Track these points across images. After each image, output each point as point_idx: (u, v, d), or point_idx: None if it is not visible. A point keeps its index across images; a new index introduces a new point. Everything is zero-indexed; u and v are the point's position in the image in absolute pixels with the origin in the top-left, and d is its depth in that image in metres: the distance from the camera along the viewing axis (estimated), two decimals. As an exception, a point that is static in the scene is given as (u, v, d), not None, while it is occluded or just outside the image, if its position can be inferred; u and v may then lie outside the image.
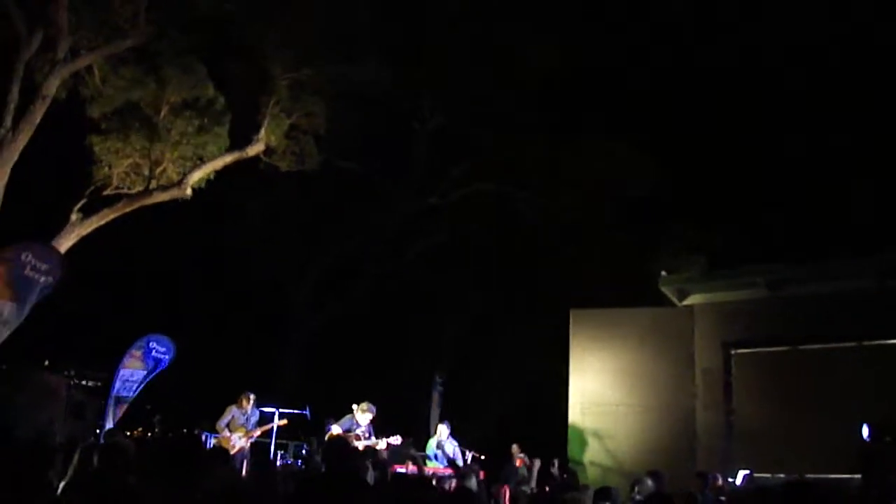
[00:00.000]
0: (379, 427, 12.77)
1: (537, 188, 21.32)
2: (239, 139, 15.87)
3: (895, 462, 9.32)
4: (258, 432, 13.11)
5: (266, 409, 13.39)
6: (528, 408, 22.78)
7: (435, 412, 23.18)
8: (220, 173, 16.07)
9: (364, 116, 18.62)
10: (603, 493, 7.06)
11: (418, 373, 24.25)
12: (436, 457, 13.38)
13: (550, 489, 13.09)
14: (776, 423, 12.73)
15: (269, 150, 16.26)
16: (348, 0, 16.10)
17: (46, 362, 26.47)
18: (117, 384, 14.21)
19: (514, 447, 14.75)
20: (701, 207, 19.62)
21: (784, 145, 20.12)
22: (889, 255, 12.95)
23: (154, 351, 14.58)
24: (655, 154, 19.75)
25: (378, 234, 23.72)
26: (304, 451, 16.48)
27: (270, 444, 13.67)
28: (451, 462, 13.21)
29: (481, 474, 12.22)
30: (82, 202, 14.73)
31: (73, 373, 28.74)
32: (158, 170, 15.27)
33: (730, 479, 11.45)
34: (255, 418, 13.06)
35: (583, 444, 14.59)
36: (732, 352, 13.95)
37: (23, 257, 11.19)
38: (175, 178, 15.41)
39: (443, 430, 13.70)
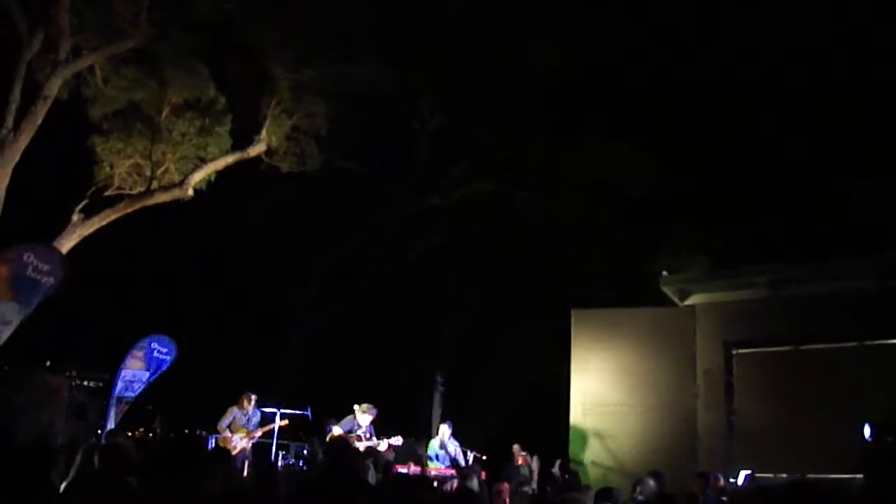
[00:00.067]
0: (380, 428, 12.78)
1: (538, 188, 21.32)
2: (240, 140, 15.90)
3: (897, 462, 9.32)
4: (259, 433, 13.12)
5: (267, 410, 13.39)
6: (530, 408, 22.77)
7: (436, 412, 23.17)
8: (220, 173, 16.10)
9: (364, 117, 18.61)
10: (605, 493, 7.06)
11: (419, 373, 24.24)
12: (437, 457, 13.38)
13: (552, 489, 13.09)
14: (778, 423, 12.71)
15: (270, 151, 16.29)
16: (348, 0, 16.11)
17: (48, 363, 26.49)
18: (119, 385, 14.21)
19: (516, 447, 14.76)
20: (701, 207, 19.61)
21: (784, 145, 20.11)
22: (890, 255, 12.93)
23: (156, 352, 14.58)
24: (656, 154, 19.74)
25: (378, 234, 23.72)
26: (305, 452, 16.48)
27: (272, 444, 13.67)
28: (454, 462, 13.22)
29: (483, 474, 12.22)
30: (84, 203, 14.77)
31: (74, 373, 28.78)
32: (160, 170, 15.30)
33: (731, 480, 11.44)
34: (256, 419, 13.07)
35: (584, 444, 14.58)
36: (734, 352, 13.93)
37: (25, 258, 11.20)
38: (176, 178, 15.44)
39: (445, 431, 13.71)
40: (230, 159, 15.86)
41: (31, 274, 11.30)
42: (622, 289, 16.92)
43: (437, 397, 23.89)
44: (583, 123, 21.12)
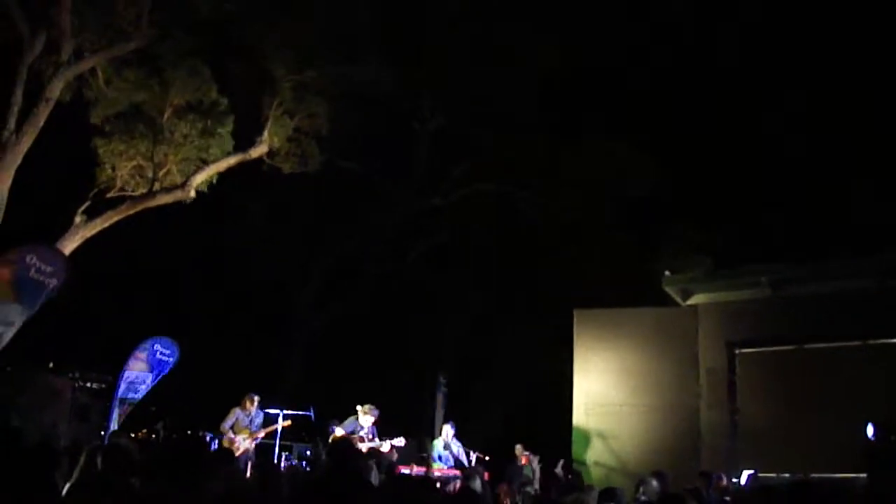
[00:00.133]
0: (383, 428, 12.79)
1: (539, 188, 21.33)
2: (242, 141, 15.91)
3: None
4: (262, 434, 13.12)
5: (270, 411, 13.40)
6: (532, 408, 22.76)
7: (439, 413, 23.18)
8: (222, 174, 16.11)
9: (365, 117, 18.62)
10: (608, 493, 7.04)
11: (422, 373, 24.26)
12: (440, 458, 13.38)
13: (555, 490, 13.08)
14: (780, 422, 12.70)
15: (271, 152, 16.29)
16: (349, 1, 16.12)
17: (51, 364, 26.50)
18: (122, 386, 14.22)
19: (518, 447, 14.77)
20: (703, 207, 19.62)
21: (785, 145, 20.10)
22: (891, 255, 12.92)
23: (158, 353, 14.59)
24: (657, 154, 19.75)
25: (380, 234, 23.73)
26: (308, 453, 16.50)
27: (275, 445, 13.67)
28: (459, 463, 13.22)
29: (486, 475, 12.22)
30: (86, 204, 14.78)
31: (77, 375, 28.78)
32: (162, 172, 15.31)
33: (734, 480, 11.44)
34: (259, 420, 13.08)
35: (587, 444, 14.58)
36: (736, 351, 13.92)
37: (27, 259, 11.21)
38: (178, 180, 15.44)
39: (448, 431, 13.72)
40: (232, 160, 15.87)
41: (33, 275, 11.32)
42: (624, 289, 16.93)
43: (439, 398, 23.89)
44: (583, 123, 21.15)
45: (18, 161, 13.42)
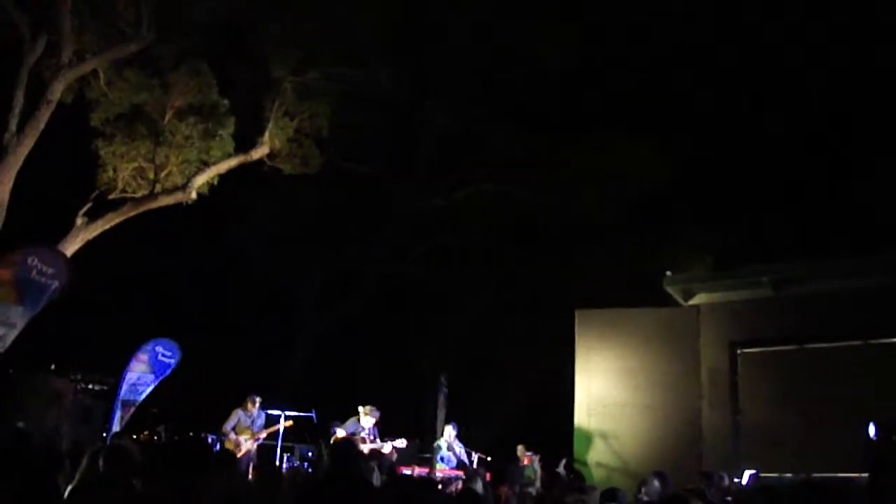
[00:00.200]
0: (384, 429, 12.79)
1: (541, 188, 21.29)
2: (243, 142, 15.92)
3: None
4: (264, 434, 13.13)
5: (272, 413, 13.41)
6: (534, 408, 22.76)
7: (441, 414, 23.18)
8: (223, 176, 16.12)
9: (367, 117, 18.63)
10: (609, 493, 7.04)
11: (423, 374, 24.25)
12: (442, 458, 13.38)
13: (557, 489, 13.07)
14: (783, 422, 12.70)
15: (272, 153, 16.30)
16: (350, 1, 16.11)
17: (53, 367, 26.55)
18: (124, 388, 14.23)
19: (520, 448, 14.75)
20: (704, 207, 19.61)
21: (788, 145, 20.09)
22: (892, 254, 12.92)
23: (160, 355, 14.60)
24: (658, 154, 19.72)
25: (382, 234, 23.73)
26: (310, 455, 16.49)
27: (277, 447, 13.68)
28: (461, 464, 13.22)
29: (487, 476, 12.22)
30: (87, 206, 14.79)
31: (79, 377, 28.84)
32: (163, 173, 15.34)
33: (735, 480, 11.42)
34: (260, 421, 13.09)
35: (589, 444, 14.58)
36: (738, 351, 13.92)
37: (29, 261, 11.22)
38: (179, 181, 15.46)
39: (450, 432, 13.71)
40: (233, 162, 15.89)
41: (35, 277, 11.33)
42: (626, 289, 16.90)
43: (441, 398, 23.88)
44: (586, 123, 21.10)
45: (20, 163, 13.44)
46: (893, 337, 12.42)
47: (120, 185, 15.21)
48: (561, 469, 14.11)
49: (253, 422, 12.95)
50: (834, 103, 19.24)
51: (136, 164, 15.35)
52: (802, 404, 12.61)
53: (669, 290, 15.11)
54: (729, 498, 9.89)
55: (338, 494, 4.84)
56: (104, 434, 14.05)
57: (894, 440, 9.70)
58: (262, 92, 15.92)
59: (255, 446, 12.98)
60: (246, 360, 25.38)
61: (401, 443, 12.67)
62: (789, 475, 10.88)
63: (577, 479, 13.00)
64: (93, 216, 14.79)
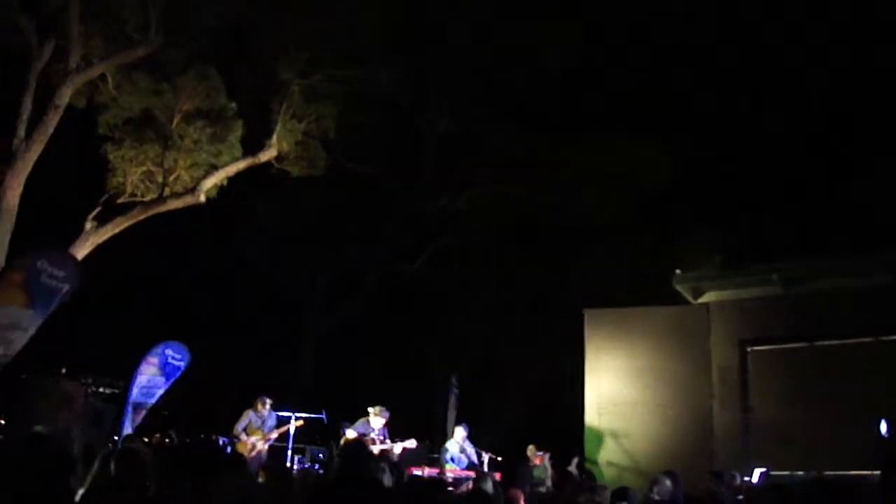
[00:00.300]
0: (395, 430, 12.80)
1: (550, 188, 21.28)
2: (251, 144, 15.95)
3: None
4: (275, 434, 13.16)
5: (283, 414, 13.44)
6: (544, 408, 22.75)
7: (451, 414, 23.15)
8: (231, 178, 16.16)
9: (373, 119, 18.65)
10: (620, 493, 7.03)
11: (432, 375, 24.25)
12: (452, 459, 13.38)
13: (568, 488, 13.06)
14: (793, 420, 12.68)
15: (280, 156, 16.33)
16: (355, 4, 16.12)
17: (63, 370, 26.59)
18: (134, 391, 14.25)
19: (531, 448, 14.73)
20: (713, 205, 19.59)
21: (798, 143, 20.05)
22: (905, 252, 12.91)
23: (170, 358, 14.61)
24: (667, 153, 19.71)
25: (386, 235, 23.76)
26: (321, 456, 16.51)
27: (288, 448, 13.70)
28: (472, 464, 13.21)
29: (497, 476, 12.21)
30: (97, 210, 14.84)
31: (90, 380, 28.91)
32: (172, 177, 15.38)
33: (746, 478, 11.40)
34: (271, 422, 13.11)
35: (599, 443, 14.57)
36: (748, 349, 13.90)
37: (39, 265, 11.24)
38: (188, 184, 15.50)
39: (460, 433, 13.71)
40: (241, 165, 15.92)
41: (45, 280, 11.34)
42: (635, 288, 16.89)
43: (451, 399, 23.85)
44: (586, 123, 21.11)
45: (29, 168, 13.48)
46: (904, 334, 12.39)
47: (129, 189, 15.26)
48: (573, 468, 14.10)
49: (264, 422, 12.98)
50: (834, 103, 19.23)
51: (144, 168, 15.39)
52: (813, 402, 12.58)
53: (679, 288, 15.09)
54: (740, 496, 9.87)
55: (348, 495, 4.85)
56: (115, 437, 14.07)
57: (906, 437, 9.67)
58: (269, 94, 15.94)
59: (266, 447, 13.01)
60: (255, 361, 25.42)
61: (411, 443, 12.68)
62: (800, 473, 10.86)
63: (589, 479, 13.00)
64: (102, 220, 14.84)
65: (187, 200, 15.41)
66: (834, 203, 18.54)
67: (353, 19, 15.64)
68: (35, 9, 13.69)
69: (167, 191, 15.31)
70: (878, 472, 9.29)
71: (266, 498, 5.15)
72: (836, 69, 19.19)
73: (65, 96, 13.70)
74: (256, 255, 24.13)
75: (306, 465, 15.59)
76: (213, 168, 15.67)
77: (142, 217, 15.21)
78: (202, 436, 22.63)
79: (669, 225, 19.46)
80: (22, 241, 13.17)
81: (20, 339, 11.57)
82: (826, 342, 13.13)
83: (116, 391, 26.56)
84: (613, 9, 19.73)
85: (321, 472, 14.51)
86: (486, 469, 12.92)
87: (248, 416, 12.96)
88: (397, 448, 12.39)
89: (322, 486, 6.18)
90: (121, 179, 15.23)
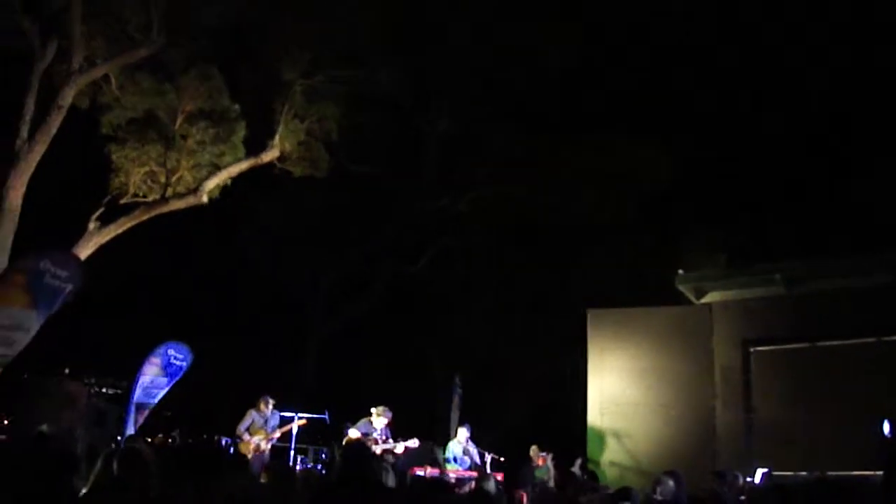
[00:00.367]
0: (398, 430, 12.80)
1: (552, 188, 21.28)
2: (253, 145, 15.96)
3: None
4: (278, 433, 13.17)
5: (285, 415, 13.45)
6: (547, 408, 22.76)
7: (454, 414, 23.15)
8: (234, 178, 16.17)
9: (375, 120, 18.64)
10: (622, 493, 7.04)
11: (437, 375, 24.25)
12: (456, 459, 13.39)
13: (570, 488, 13.07)
14: (796, 420, 12.67)
15: (282, 156, 16.34)
16: (357, 5, 16.12)
17: (67, 370, 26.63)
18: (137, 391, 14.27)
19: (534, 448, 14.74)
20: (716, 205, 19.58)
21: (798, 143, 20.03)
22: (908, 251, 12.90)
23: (172, 358, 14.62)
24: (669, 153, 19.71)
25: (389, 236, 23.76)
26: (323, 456, 16.53)
27: (290, 448, 13.72)
28: (475, 465, 13.22)
29: (500, 477, 12.22)
30: (100, 211, 14.85)
31: (93, 381, 28.94)
32: (175, 178, 15.40)
33: (748, 479, 11.39)
34: (274, 421, 13.14)
35: (602, 443, 14.57)
36: (751, 349, 13.90)
37: (41, 265, 11.23)
38: (191, 185, 15.52)
39: (464, 433, 13.71)
40: (244, 165, 15.94)
41: (48, 281, 11.33)
42: (636, 288, 16.90)
43: (455, 399, 23.84)
44: (594, 122, 21.11)
45: (32, 169, 13.49)
46: (906, 334, 12.38)
47: (132, 190, 15.27)
48: (576, 469, 14.11)
49: (266, 422, 13.00)
50: (834, 103, 19.21)
51: (147, 169, 15.41)
52: (815, 402, 12.58)
53: (682, 288, 15.09)
54: (743, 497, 9.86)
55: (351, 495, 4.85)
56: (118, 437, 14.09)
57: (909, 437, 9.67)
58: (271, 95, 15.95)
59: (269, 446, 13.03)
60: (257, 361, 25.45)
61: (413, 443, 12.68)
62: (803, 473, 10.84)
63: (592, 480, 13.00)
64: (105, 221, 14.85)
65: (190, 201, 15.42)
66: (834, 203, 18.52)
67: (352, 19, 15.62)
68: (37, 10, 13.70)
69: (170, 191, 15.33)
70: (880, 473, 9.29)
71: (268, 498, 5.14)
72: (836, 69, 19.18)
73: (67, 97, 13.71)
74: (259, 256, 24.15)
75: (309, 465, 15.60)
76: (216, 168, 15.69)
77: (145, 217, 15.22)
78: (205, 436, 22.66)
79: (669, 225, 19.46)
80: (25, 241, 13.18)
81: (23, 340, 11.57)
82: (829, 342, 13.12)
83: (119, 391, 26.59)
84: (613, 9, 19.72)
85: (324, 472, 14.52)
86: (488, 470, 12.91)
87: (251, 416, 12.98)
88: (399, 448, 12.39)
89: (324, 486, 6.18)
90: (124, 180, 15.24)
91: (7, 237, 13.22)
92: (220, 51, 15.33)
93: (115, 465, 4.61)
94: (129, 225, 15.10)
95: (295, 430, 13.40)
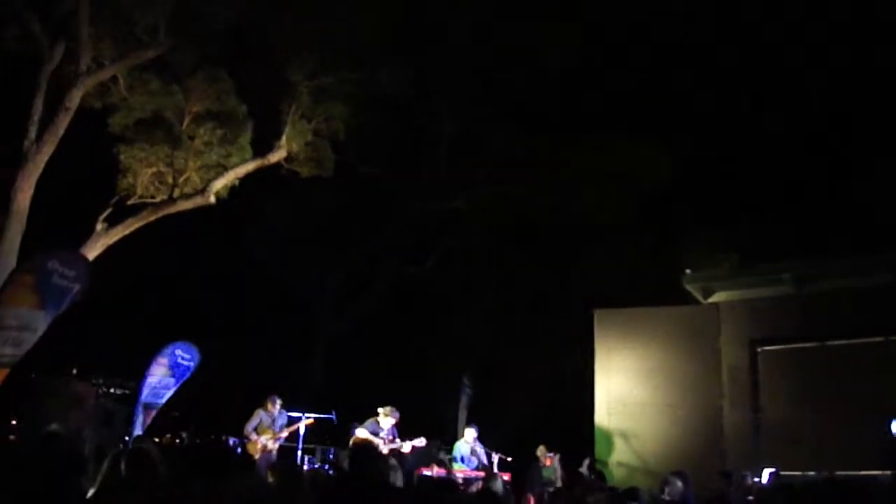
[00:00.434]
0: (406, 430, 12.81)
1: (559, 188, 21.26)
2: (260, 145, 15.98)
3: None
4: (285, 433, 13.19)
5: (293, 415, 13.47)
6: (554, 409, 22.73)
7: (462, 415, 23.16)
8: (241, 179, 16.20)
9: (381, 120, 18.63)
10: (630, 493, 7.04)
11: (444, 375, 24.26)
12: (462, 459, 13.38)
13: (578, 488, 13.04)
14: (804, 420, 12.64)
15: (289, 157, 16.36)
16: (363, 5, 16.13)
17: (74, 371, 26.72)
18: (145, 391, 14.29)
19: (541, 449, 14.73)
20: (724, 205, 19.56)
21: (807, 142, 19.99)
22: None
23: (179, 358, 14.64)
24: (669, 153, 19.70)
25: (399, 236, 23.77)
26: (331, 456, 16.54)
27: (298, 448, 13.73)
28: (483, 465, 13.21)
29: (507, 477, 12.21)
30: (107, 212, 14.89)
31: (101, 381, 29.04)
32: (182, 178, 15.43)
33: (755, 479, 11.38)
34: (282, 421, 13.15)
35: (609, 443, 14.56)
36: (759, 349, 13.87)
37: (49, 265, 11.24)
38: (198, 186, 15.55)
39: (471, 433, 13.70)
40: (251, 166, 15.96)
41: (56, 281, 11.35)
42: (645, 288, 16.87)
43: (463, 399, 23.85)
44: (594, 122, 21.10)
45: (39, 170, 13.53)
46: (914, 333, 12.34)
47: (139, 191, 15.31)
48: (584, 469, 14.10)
49: (274, 421, 13.03)
50: (834, 103, 19.17)
51: (155, 170, 15.45)
52: (823, 402, 12.55)
53: (689, 288, 15.07)
54: (750, 497, 9.85)
55: (358, 495, 4.86)
56: (126, 437, 14.12)
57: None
58: (278, 96, 15.97)
59: (276, 446, 13.06)
60: (264, 361, 25.48)
61: (420, 442, 12.69)
62: (811, 473, 10.82)
63: (600, 480, 12.99)
64: (113, 221, 14.89)
65: (197, 201, 15.45)
66: (834, 203, 18.49)
67: (352, 19, 15.61)
68: (45, 12, 13.75)
69: (177, 192, 15.36)
70: (888, 473, 9.27)
71: (276, 498, 5.15)
72: (836, 69, 19.14)
73: (75, 98, 13.74)
74: (266, 256, 24.18)
75: (316, 465, 15.61)
76: (223, 169, 15.72)
77: (152, 218, 15.26)
78: (212, 436, 22.69)
79: (669, 225, 19.45)
80: (33, 242, 13.22)
81: (30, 340, 11.59)
82: (836, 342, 13.09)
83: (127, 392, 26.70)
84: (613, 9, 19.69)
85: (331, 472, 14.53)
86: (495, 470, 12.91)
87: (259, 416, 13.00)
88: (406, 447, 12.40)
89: (332, 485, 6.18)
90: (131, 181, 15.28)
91: (15, 238, 13.26)
92: (227, 52, 15.36)
93: (122, 466, 4.63)
94: (136, 225, 15.14)
95: (302, 430, 13.41)
